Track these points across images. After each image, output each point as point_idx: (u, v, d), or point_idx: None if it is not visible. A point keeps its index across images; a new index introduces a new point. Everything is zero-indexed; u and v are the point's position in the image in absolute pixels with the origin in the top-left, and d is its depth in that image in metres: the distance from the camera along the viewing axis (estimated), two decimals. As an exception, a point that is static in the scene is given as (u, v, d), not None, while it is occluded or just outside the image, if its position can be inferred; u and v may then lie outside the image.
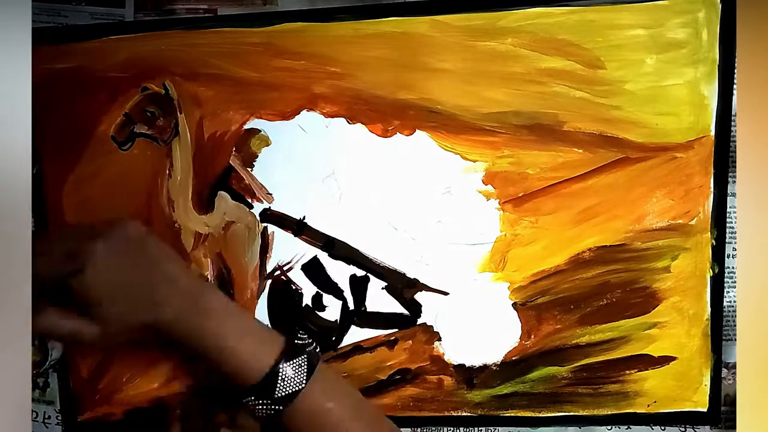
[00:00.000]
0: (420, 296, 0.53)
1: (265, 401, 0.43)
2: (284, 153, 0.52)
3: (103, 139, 0.53)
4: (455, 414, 0.55)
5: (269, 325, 0.53)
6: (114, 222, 0.44)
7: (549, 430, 0.55)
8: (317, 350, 0.46)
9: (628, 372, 0.53)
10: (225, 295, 0.46)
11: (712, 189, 0.51)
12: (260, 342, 0.44)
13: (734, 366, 0.53)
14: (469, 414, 0.54)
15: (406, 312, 0.54)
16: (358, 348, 0.54)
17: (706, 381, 0.53)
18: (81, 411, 0.57)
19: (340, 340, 0.54)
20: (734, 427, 0.50)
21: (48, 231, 0.53)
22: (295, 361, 0.44)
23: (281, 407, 0.43)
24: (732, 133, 0.50)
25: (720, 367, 0.53)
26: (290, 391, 0.43)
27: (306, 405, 0.43)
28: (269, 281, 0.54)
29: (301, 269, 0.54)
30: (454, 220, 0.52)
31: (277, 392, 0.43)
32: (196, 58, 0.51)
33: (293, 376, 0.43)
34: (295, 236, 0.53)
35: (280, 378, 0.43)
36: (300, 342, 0.45)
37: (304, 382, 0.43)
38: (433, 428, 0.56)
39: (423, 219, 0.52)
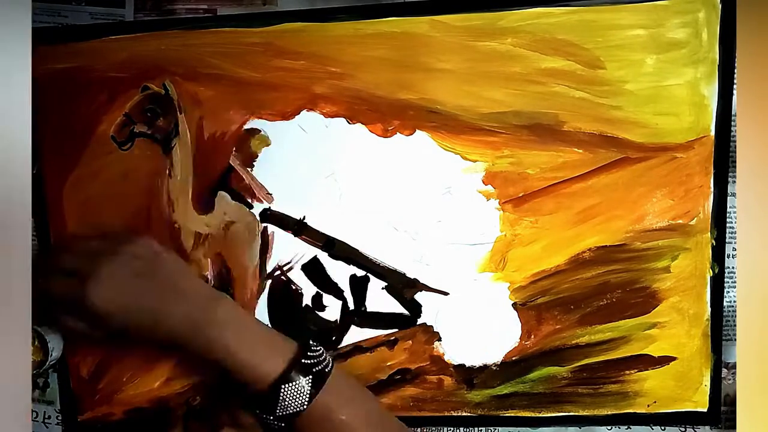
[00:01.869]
0: (420, 296, 0.53)
1: (268, 416, 0.44)
2: (284, 153, 0.52)
3: (103, 139, 0.53)
4: (455, 414, 0.55)
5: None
6: (123, 239, 0.45)
7: (549, 430, 0.55)
8: (328, 362, 0.46)
9: (628, 372, 0.53)
10: (236, 305, 0.47)
11: (712, 189, 0.51)
12: (270, 352, 0.45)
13: (734, 366, 0.53)
14: (469, 414, 0.54)
15: (406, 312, 0.54)
16: (358, 348, 0.54)
17: (706, 381, 0.53)
18: (81, 411, 0.57)
19: (340, 340, 0.54)
20: (734, 427, 0.50)
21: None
22: (297, 382, 0.43)
23: (283, 424, 0.44)
24: (732, 133, 0.50)
25: (720, 367, 0.53)
26: (290, 412, 0.43)
27: (314, 419, 0.43)
28: (269, 281, 0.54)
29: (301, 269, 0.54)
30: (454, 220, 0.52)
31: (278, 410, 0.43)
32: (196, 58, 0.51)
33: (294, 398, 0.43)
34: (295, 236, 0.53)
35: (280, 399, 0.43)
36: (306, 362, 0.44)
37: (305, 404, 0.43)
38: (433, 428, 0.56)
39: (423, 219, 0.52)
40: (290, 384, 0.43)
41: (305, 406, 0.43)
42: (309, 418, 0.43)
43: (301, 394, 0.43)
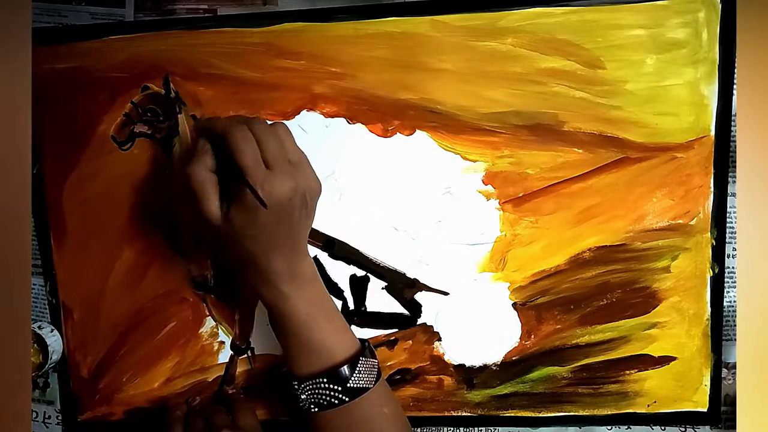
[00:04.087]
0: (420, 296, 0.53)
1: (335, 388, 0.44)
2: (284, 153, 0.52)
3: (103, 139, 0.53)
4: (455, 414, 0.55)
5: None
6: (308, 167, 0.44)
7: (549, 430, 0.55)
8: (377, 362, 0.48)
9: (628, 372, 0.53)
10: (318, 275, 0.47)
11: (712, 189, 0.51)
12: (342, 331, 0.46)
13: (734, 366, 0.53)
14: (469, 414, 0.54)
15: (406, 312, 0.54)
16: (358, 348, 0.54)
17: (706, 381, 0.53)
18: (81, 411, 0.57)
19: (340, 340, 0.54)
20: (734, 427, 0.50)
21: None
22: (369, 361, 0.46)
23: (347, 398, 0.44)
24: (732, 133, 0.50)
25: (720, 367, 0.53)
26: (361, 386, 0.44)
27: (366, 405, 0.45)
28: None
29: (301, 269, 0.54)
30: (454, 220, 0.52)
31: (351, 382, 0.44)
32: (196, 58, 0.51)
33: (366, 374, 0.45)
34: (295, 236, 0.53)
35: (357, 370, 0.44)
36: (371, 349, 0.48)
37: (373, 382, 0.45)
38: (433, 428, 0.56)
39: (423, 219, 0.52)
40: (367, 360, 0.46)
41: (373, 384, 0.45)
42: (357, 406, 0.44)
43: (373, 372, 0.46)
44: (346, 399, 0.44)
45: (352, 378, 0.44)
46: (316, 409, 0.44)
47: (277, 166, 0.41)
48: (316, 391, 0.44)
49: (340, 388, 0.44)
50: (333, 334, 0.45)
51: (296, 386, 0.45)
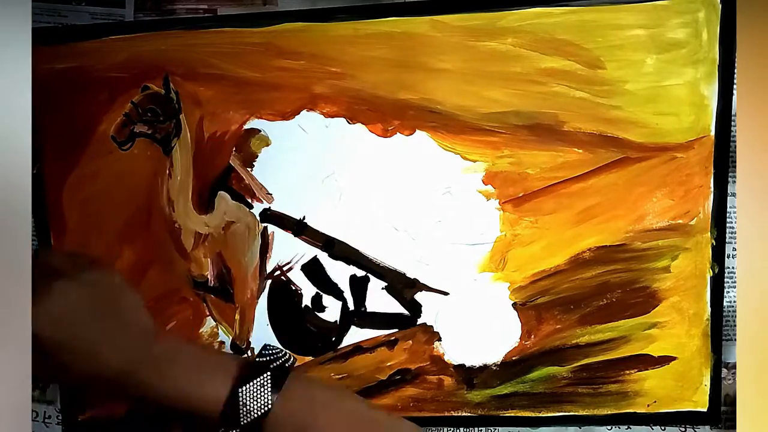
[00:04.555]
0: (420, 296, 0.53)
1: (233, 431, 0.39)
2: (284, 153, 0.52)
3: (103, 139, 0.53)
4: (455, 414, 0.55)
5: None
6: (87, 264, 0.41)
7: (549, 430, 0.55)
8: (289, 363, 0.42)
9: (628, 372, 0.53)
10: (176, 337, 0.44)
11: (712, 189, 0.51)
12: (213, 372, 0.41)
13: (734, 366, 0.53)
14: (469, 414, 0.54)
15: (406, 312, 0.54)
16: (358, 348, 0.54)
17: (706, 381, 0.53)
18: (81, 411, 0.57)
19: (340, 340, 0.54)
20: (734, 427, 0.50)
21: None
22: (256, 381, 0.40)
23: None
24: (732, 133, 0.50)
25: (720, 367, 0.53)
26: (255, 416, 0.39)
27: (281, 425, 0.39)
28: (269, 281, 0.54)
29: (301, 269, 0.54)
30: (454, 220, 0.52)
31: (242, 419, 0.39)
32: (196, 58, 0.51)
33: (255, 398, 0.39)
34: (295, 236, 0.53)
35: (241, 404, 0.39)
36: (262, 359, 0.41)
37: (268, 404, 0.39)
38: (433, 428, 0.56)
39: (423, 219, 0.52)
40: (248, 385, 0.39)
41: (270, 406, 0.39)
42: (273, 428, 0.39)
43: (263, 393, 0.39)
44: None
45: (241, 414, 0.39)
46: None
47: None
48: None
49: (237, 431, 0.39)
50: (199, 386, 0.40)
51: None
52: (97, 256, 0.44)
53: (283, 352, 0.42)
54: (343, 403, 0.43)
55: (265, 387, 0.40)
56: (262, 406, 0.39)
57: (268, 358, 0.41)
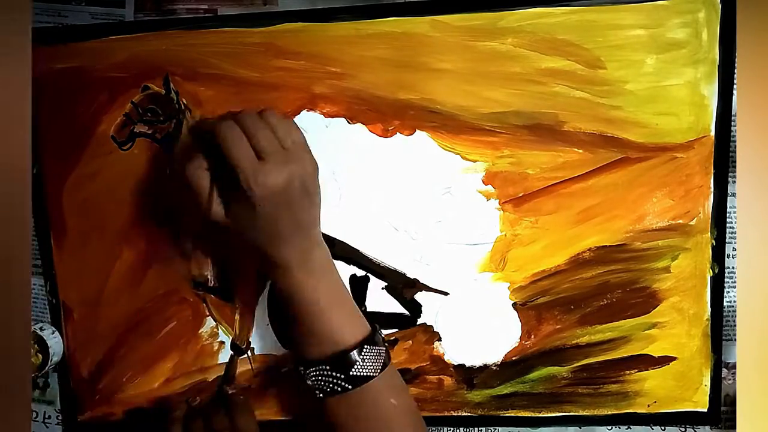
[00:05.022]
0: (420, 296, 0.53)
1: (338, 375, 0.43)
2: (284, 153, 0.52)
3: (103, 139, 0.53)
4: (455, 414, 0.55)
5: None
6: (303, 150, 0.44)
7: (549, 430, 0.55)
8: (387, 345, 0.47)
9: (628, 372, 0.53)
10: (332, 261, 0.47)
11: (712, 189, 0.51)
12: (351, 318, 0.46)
13: (734, 366, 0.53)
14: (469, 414, 0.54)
15: (406, 312, 0.54)
16: (358, 348, 0.54)
17: (706, 381, 0.53)
18: (81, 411, 0.57)
19: (340, 340, 0.54)
20: (734, 427, 0.50)
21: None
22: (375, 349, 0.45)
23: (350, 386, 0.44)
24: (732, 133, 0.50)
25: (720, 367, 0.53)
26: (365, 374, 0.44)
27: (372, 394, 0.44)
28: (269, 281, 0.54)
29: (301, 269, 0.54)
30: (454, 220, 0.52)
31: (354, 370, 0.43)
32: (196, 58, 0.51)
33: (371, 361, 0.44)
34: (295, 236, 0.53)
35: (361, 357, 0.44)
36: (381, 336, 0.47)
37: (378, 370, 0.44)
38: (433, 428, 0.56)
39: (423, 219, 0.52)
40: (373, 347, 0.45)
41: (378, 372, 0.44)
42: (362, 395, 0.44)
43: (378, 360, 0.45)
44: (349, 387, 0.44)
45: (356, 366, 0.44)
46: (322, 395, 0.45)
47: (270, 155, 0.41)
48: (320, 377, 0.44)
49: (343, 376, 0.44)
50: (342, 323, 0.45)
51: (302, 371, 0.45)
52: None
53: (384, 340, 0.48)
54: (409, 396, 0.49)
55: (381, 356, 0.45)
56: (373, 370, 0.44)
57: (383, 336, 0.48)
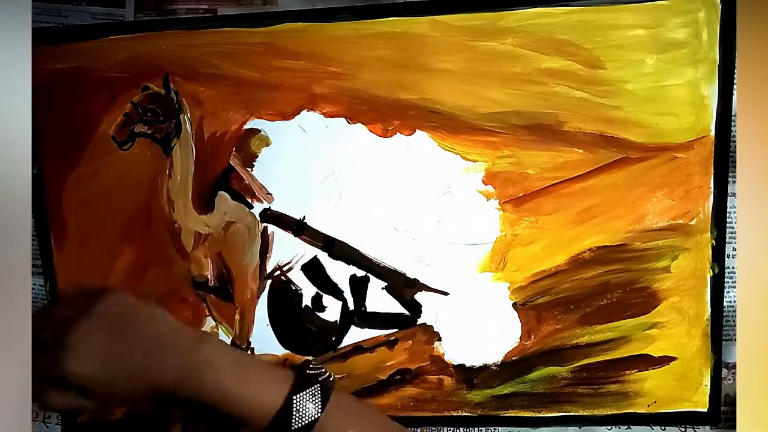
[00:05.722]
0: (420, 296, 0.53)
1: None
2: (284, 153, 0.52)
3: (103, 139, 0.53)
4: (455, 414, 0.55)
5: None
6: (91, 299, 0.42)
7: (549, 430, 0.55)
8: (331, 378, 0.45)
9: (628, 372, 0.53)
10: (222, 342, 0.45)
11: (712, 189, 0.51)
12: (268, 381, 0.43)
13: (734, 366, 0.53)
14: (469, 414, 0.54)
15: (406, 312, 0.54)
16: (358, 348, 0.54)
17: (706, 381, 0.53)
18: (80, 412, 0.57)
19: (340, 340, 0.54)
20: (734, 427, 0.50)
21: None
22: (308, 391, 0.43)
23: None
24: (732, 133, 0.50)
25: (720, 367, 0.53)
26: (307, 422, 0.42)
27: None
28: (269, 281, 0.54)
29: (301, 269, 0.54)
30: (454, 220, 0.52)
31: (293, 425, 0.41)
32: (196, 58, 0.51)
33: (308, 407, 0.42)
34: (295, 236, 0.53)
35: (294, 410, 0.42)
36: (312, 372, 0.44)
37: (319, 411, 0.42)
38: (433, 428, 0.56)
39: (423, 219, 0.52)
40: (302, 394, 0.42)
41: (319, 414, 0.42)
42: None
43: (314, 402, 0.42)
44: None
45: (294, 419, 0.41)
46: None
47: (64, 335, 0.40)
48: None
49: None
50: (259, 391, 0.42)
51: None
52: (101, 285, 0.45)
53: (324, 369, 0.45)
54: (376, 418, 0.46)
55: (316, 396, 0.43)
56: (313, 415, 0.42)
57: (316, 372, 0.44)
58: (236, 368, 0.43)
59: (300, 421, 0.41)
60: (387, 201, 0.52)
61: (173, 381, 0.42)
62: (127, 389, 0.42)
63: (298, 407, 0.42)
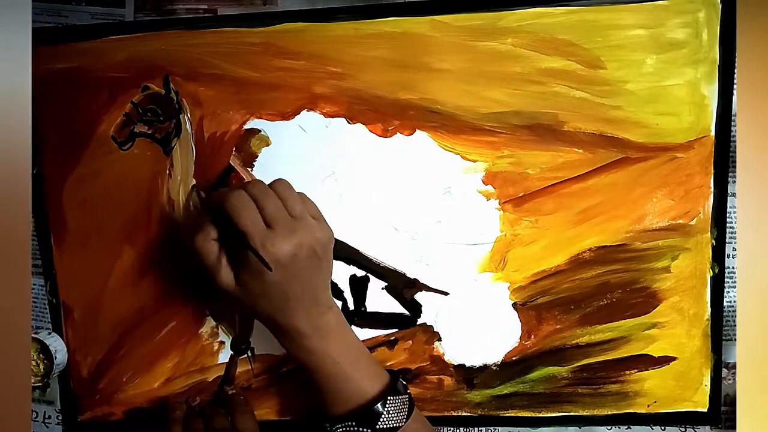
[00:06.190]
0: (420, 296, 0.53)
1: (365, 430, 0.43)
2: (284, 153, 0.52)
3: (103, 139, 0.53)
4: (455, 414, 0.55)
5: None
6: (316, 221, 0.44)
7: (549, 430, 0.55)
8: (412, 397, 0.47)
9: (628, 372, 0.53)
10: (344, 320, 0.47)
11: (712, 189, 0.51)
12: (371, 371, 0.46)
13: (734, 366, 0.53)
14: (469, 414, 0.54)
15: (406, 312, 0.54)
16: (358, 348, 0.54)
17: (706, 381, 0.53)
18: (81, 411, 0.57)
19: (340, 340, 0.54)
20: (734, 427, 0.50)
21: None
22: (399, 398, 0.45)
23: None
24: (732, 133, 0.50)
25: (720, 367, 0.53)
26: (391, 426, 0.44)
27: None
28: (269, 281, 0.54)
29: (301, 269, 0.54)
30: (454, 220, 0.52)
31: (380, 423, 0.43)
32: (196, 58, 0.51)
33: (396, 412, 0.44)
34: (295, 236, 0.53)
35: (386, 410, 0.44)
36: (403, 383, 0.47)
37: (404, 420, 0.44)
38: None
39: (423, 219, 0.52)
40: (396, 398, 0.45)
41: (404, 422, 0.44)
42: None
43: (402, 410, 0.45)
44: None
45: (381, 418, 0.44)
46: None
47: (278, 224, 0.41)
48: None
49: (369, 430, 0.44)
50: (363, 377, 0.45)
51: (328, 428, 0.45)
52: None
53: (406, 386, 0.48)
54: None
55: (405, 406, 0.45)
56: (398, 421, 0.44)
57: (405, 384, 0.48)
58: (350, 347, 0.46)
59: (387, 422, 0.44)
60: (387, 201, 0.52)
61: (302, 332, 0.44)
62: (266, 310, 0.44)
63: (389, 408, 0.44)
